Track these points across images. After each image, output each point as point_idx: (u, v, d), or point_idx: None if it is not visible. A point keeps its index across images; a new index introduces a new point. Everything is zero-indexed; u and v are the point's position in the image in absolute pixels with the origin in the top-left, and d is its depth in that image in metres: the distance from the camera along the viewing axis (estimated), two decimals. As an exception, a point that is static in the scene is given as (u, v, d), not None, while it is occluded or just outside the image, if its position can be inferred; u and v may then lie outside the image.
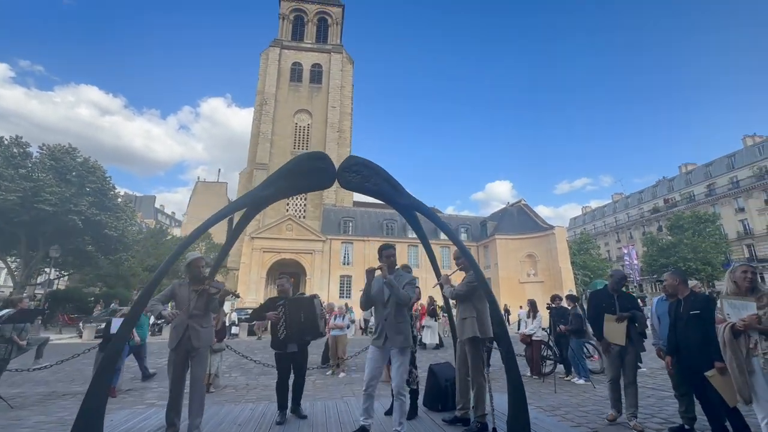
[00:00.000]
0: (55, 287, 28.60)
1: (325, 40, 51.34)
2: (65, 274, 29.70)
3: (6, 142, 19.88)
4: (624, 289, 5.05)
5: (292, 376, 4.43)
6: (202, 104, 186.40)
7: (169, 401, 3.73)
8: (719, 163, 49.29)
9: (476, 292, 3.99)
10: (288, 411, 4.32)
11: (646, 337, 4.67)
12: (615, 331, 4.38)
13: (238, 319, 20.24)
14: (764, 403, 3.06)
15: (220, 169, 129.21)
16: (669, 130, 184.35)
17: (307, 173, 4.12)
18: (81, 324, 18.77)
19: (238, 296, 5.63)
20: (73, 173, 21.28)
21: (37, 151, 20.98)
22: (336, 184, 4.14)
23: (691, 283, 4.79)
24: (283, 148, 45.73)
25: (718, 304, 3.59)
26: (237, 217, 4.95)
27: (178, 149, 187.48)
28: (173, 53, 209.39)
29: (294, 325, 4.30)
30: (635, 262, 38.70)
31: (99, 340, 7.89)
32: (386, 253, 3.90)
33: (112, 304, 24.91)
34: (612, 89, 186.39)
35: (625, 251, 40.45)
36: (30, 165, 19.96)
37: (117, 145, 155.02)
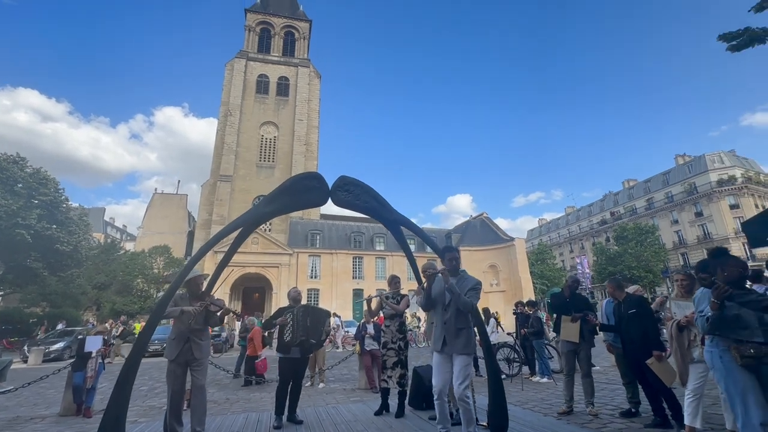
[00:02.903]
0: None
1: (293, 54, 51.51)
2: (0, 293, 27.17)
3: (-57, 151, 18.21)
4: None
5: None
6: (157, 113, 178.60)
7: (170, 410, 3.89)
8: (656, 179, 54.44)
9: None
10: (284, 417, 4.55)
11: (597, 334, 5.38)
12: (570, 329, 5.03)
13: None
14: (692, 384, 3.78)
15: (179, 181, 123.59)
16: (613, 148, 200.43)
17: (304, 191, 4.49)
18: (26, 348, 17.28)
19: (237, 314, 5.83)
20: (20, 184, 19.80)
21: (-21, 161, 19.35)
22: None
23: (634, 287, 5.62)
24: (248, 160, 44.92)
25: (668, 305, 4.35)
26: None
27: (130, 159, 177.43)
28: (125, 58, 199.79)
29: (301, 328, 4.58)
30: (587, 270, 41.47)
31: (48, 364, 7.56)
32: (449, 256, 3.77)
33: (59, 326, 23.13)
34: (558, 108, 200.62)
35: (578, 261, 43.30)
36: (-30, 175, 18.36)
37: (60, 153, 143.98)
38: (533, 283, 39.83)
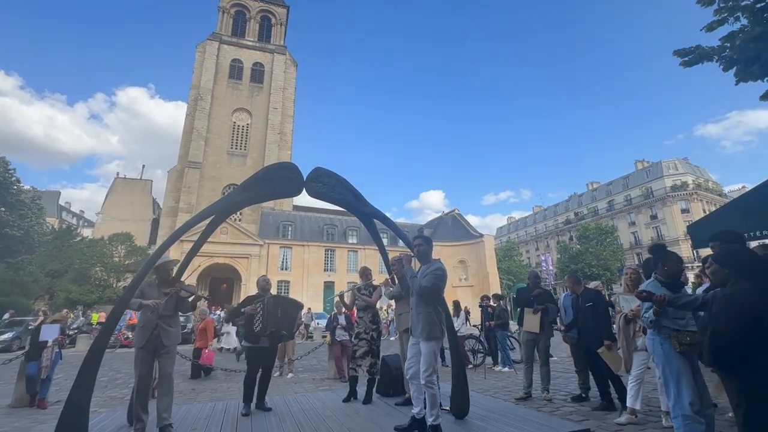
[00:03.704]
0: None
1: (269, 40, 50.06)
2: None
3: None
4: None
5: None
6: (119, 93, 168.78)
7: (136, 397, 3.83)
8: (617, 183, 57.47)
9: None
10: (252, 405, 4.58)
11: (556, 324, 5.75)
12: (531, 321, 5.37)
13: None
14: (635, 370, 4.15)
15: (143, 166, 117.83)
16: (580, 151, 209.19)
17: (278, 182, 4.50)
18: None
19: (208, 299, 5.74)
20: (-36, 163, 18.27)
21: None
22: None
23: (594, 283, 6.03)
24: (218, 146, 43.47)
25: (616, 299, 4.72)
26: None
27: (88, 141, 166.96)
28: (85, 32, 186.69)
29: (271, 319, 4.60)
30: (550, 267, 43.31)
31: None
32: (415, 242, 3.93)
33: (6, 315, 21.67)
34: (530, 110, 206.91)
35: (543, 258, 45.12)
36: None
37: (8, 131, 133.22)
38: (500, 278, 41.25)
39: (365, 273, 5.36)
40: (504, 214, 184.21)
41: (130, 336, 16.07)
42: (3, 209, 18.98)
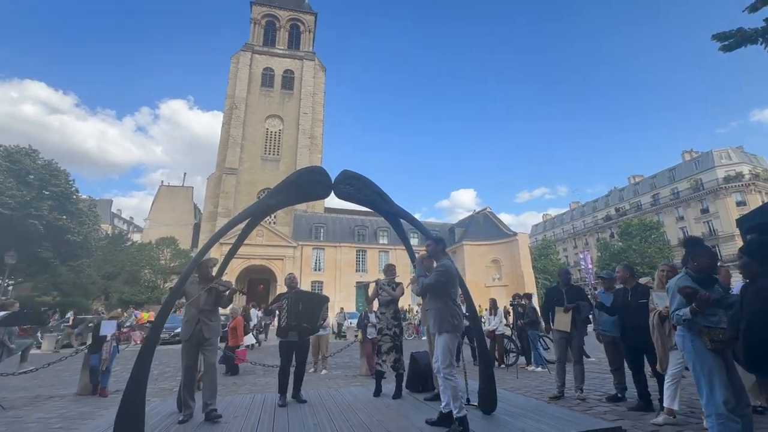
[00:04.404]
0: (9, 296, 26.80)
1: (298, 47, 51.54)
2: (11, 282, 27.85)
3: (-43, 142, 18.73)
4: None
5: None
6: (162, 106, 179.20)
7: (184, 386, 4.18)
8: (662, 175, 54.05)
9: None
10: (288, 396, 4.85)
11: (590, 323, 5.60)
12: (562, 320, 5.27)
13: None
14: (671, 369, 4.01)
15: (185, 173, 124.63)
16: (619, 144, 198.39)
17: (308, 185, 4.73)
18: (39, 334, 17.85)
19: (244, 292, 6.14)
20: (32, 176, 20.27)
21: (-7, 152, 19.86)
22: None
23: (646, 279, 5.70)
24: (253, 153, 45.28)
25: (651, 296, 4.54)
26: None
27: (136, 152, 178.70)
28: (130, 51, 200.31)
29: (293, 313, 4.86)
30: (590, 266, 41.50)
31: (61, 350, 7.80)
32: (426, 244, 4.11)
33: (68, 314, 23.75)
34: (563, 103, 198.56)
35: (581, 256, 43.29)
36: (-16, 167, 18.86)
37: (66, 145, 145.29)
38: (536, 277, 39.99)
39: (389, 269, 5.52)
40: (539, 211, 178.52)
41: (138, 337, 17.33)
42: (65, 217, 20.87)
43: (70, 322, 19.04)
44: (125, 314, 22.04)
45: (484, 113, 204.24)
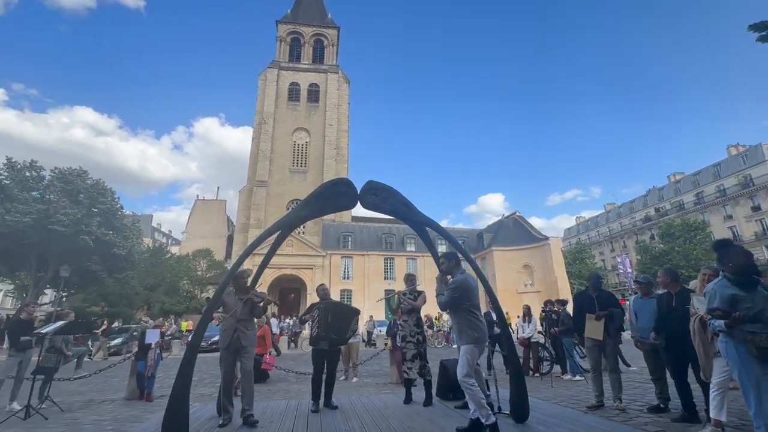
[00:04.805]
0: (63, 307, 28.88)
1: (322, 61, 53.00)
2: (65, 294, 30.01)
3: (19, 166, 20.61)
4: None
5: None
6: (196, 124, 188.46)
7: (223, 392, 4.40)
8: (706, 172, 50.90)
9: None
10: (320, 403, 4.98)
11: (623, 330, 5.39)
12: (594, 327, 5.08)
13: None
14: (716, 378, 3.81)
15: (218, 187, 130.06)
16: (654, 141, 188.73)
17: (335, 196, 4.90)
18: (90, 343, 19.11)
19: (277, 304, 6.40)
20: (82, 195, 21.93)
21: (49, 174, 21.71)
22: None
23: (694, 283, 5.35)
24: (281, 165, 46.70)
25: (692, 300, 4.33)
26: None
27: (173, 169, 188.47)
28: (167, 74, 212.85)
29: (323, 324, 5.02)
30: (629, 270, 39.50)
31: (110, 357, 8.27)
32: (440, 261, 4.40)
33: (114, 324, 25.29)
34: (593, 102, 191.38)
35: (619, 260, 41.32)
36: (42, 187, 20.61)
37: (111, 165, 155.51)
38: (570, 283, 38.50)
39: (410, 279, 5.58)
40: (572, 214, 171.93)
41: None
42: (111, 232, 22.41)
43: (100, 331, 20.18)
44: (166, 323, 23.19)
45: (511, 114, 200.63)
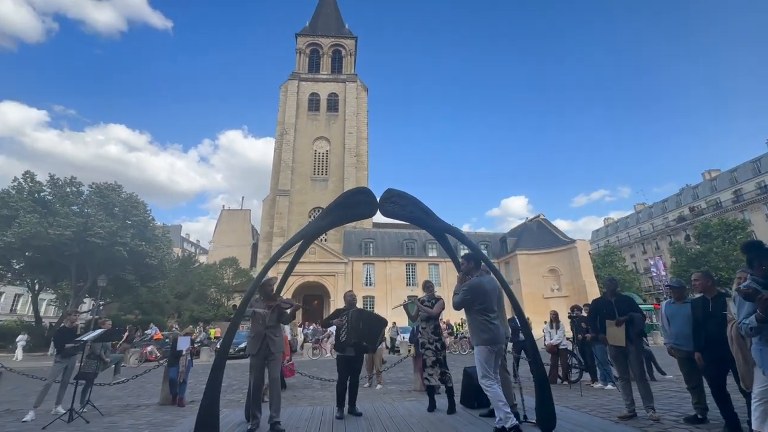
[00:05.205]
0: (101, 316, 30.37)
1: (340, 70, 53.95)
2: (102, 303, 31.55)
3: (60, 183, 22.02)
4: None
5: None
6: (221, 137, 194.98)
7: (251, 398, 4.52)
8: (744, 168, 48.24)
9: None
10: (345, 410, 5.03)
11: (645, 336, 5.19)
12: (615, 334, 4.90)
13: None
14: (757, 387, 3.61)
15: (243, 197, 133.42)
16: (686, 138, 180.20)
17: (355, 205, 5.00)
18: (126, 350, 19.96)
19: (306, 309, 6.56)
20: (117, 208, 23.13)
21: (87, 189, 23.08)
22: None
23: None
24: (303, 174, 47.60)
25: (728, 305, 4.13)
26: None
27: (199, 180, 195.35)
28: (193, 90, 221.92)
29: (354, 330, 5.08)
30: (663, 273, 37.81)
31: (144, 364, 8.68)
32: (461, 261, 4.63)
33: (147, 331, 26.32)
34: (621, 97, 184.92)
35: (652, 262, 39.63)
36: (81, 202, 21.91)
37: (142, 178, 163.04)
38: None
39: (427, 286, 5.60)
40: (599, 215, 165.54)
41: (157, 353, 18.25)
42: (144, 243, 23.50)
43: (124, 338, 20.92)
44: (196, 331, 23.94)
45: (532, 114, 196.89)
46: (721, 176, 51.47)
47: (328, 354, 18.82)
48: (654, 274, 37.60)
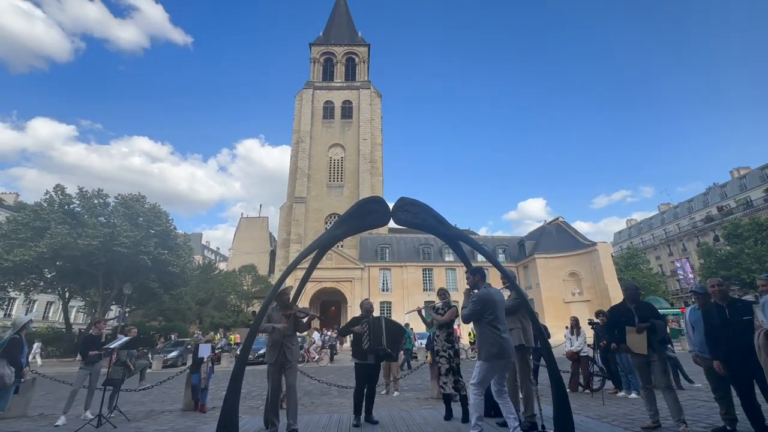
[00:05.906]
0: (126, 323, 31.37)
1: (354, 78, 54.56)
2: (128, 310, 32.59)
3: (88, 195, 23.03)
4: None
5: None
6: (238, 146, 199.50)
7: (269, 406, 4.61)
8: (776, 164, 46.09)
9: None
10: (362, 418, 5.06)
11: (668, 343, 5.01)
12: (636, 341, 4.73)
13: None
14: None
15: (260, 205, 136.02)
16: (709, 135, 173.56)
17: (368, 214, 5.06)
18: (150, 356, 20.55)
19: (321, 318, 6.66)
20: (141, 218, 23.97)
21: (113, 200, 24.06)
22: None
23: None
24: (319, 181, 48.16)
25: (755, 312, 3.99)
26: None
27: (218, 189, 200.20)
28: (212, 101, 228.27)
29: (376, 338, 5.12)
30: (690, 275, 36.41)
31: (167, 370, 8.92)
32: (466, 275, 4.68)
33: (171, 337, 26.99)
34: (641, 91, 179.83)
35: (678, 264, 38.22)
36: (107, 213, 22.82)
37: (164, 188, 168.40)
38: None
39: (442, 293, 5.59)
40: (621, 216, 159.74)
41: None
42: (167, 252, 24.23)
43: (161, 345, 21.52)
44: (217, 337, 24.43)
45: (548, 116, 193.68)
46: (752, 174, 49.27)
47: (316, 361, 19.25)
48: (681, 276, 36.19)
